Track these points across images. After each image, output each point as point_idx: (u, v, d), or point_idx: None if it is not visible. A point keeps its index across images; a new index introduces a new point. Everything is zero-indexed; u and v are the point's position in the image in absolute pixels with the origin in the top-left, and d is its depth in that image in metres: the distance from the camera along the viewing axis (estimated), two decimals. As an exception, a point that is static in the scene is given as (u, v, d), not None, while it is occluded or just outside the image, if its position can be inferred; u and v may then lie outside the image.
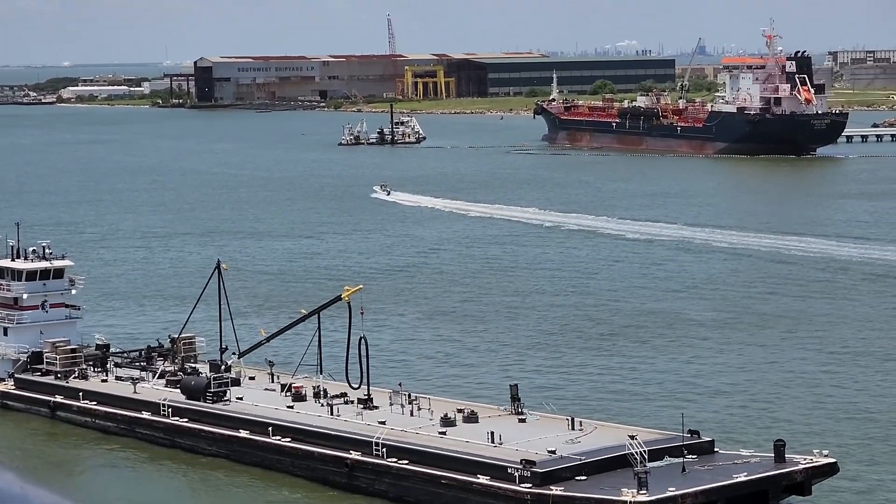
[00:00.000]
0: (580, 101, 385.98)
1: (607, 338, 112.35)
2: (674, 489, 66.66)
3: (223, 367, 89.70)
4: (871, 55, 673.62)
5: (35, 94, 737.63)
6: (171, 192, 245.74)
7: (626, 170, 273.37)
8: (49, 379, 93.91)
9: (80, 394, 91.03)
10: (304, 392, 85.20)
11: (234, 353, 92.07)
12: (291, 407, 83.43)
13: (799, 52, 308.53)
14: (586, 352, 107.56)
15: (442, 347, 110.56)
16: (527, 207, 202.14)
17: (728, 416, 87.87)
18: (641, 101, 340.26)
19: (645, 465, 68.05)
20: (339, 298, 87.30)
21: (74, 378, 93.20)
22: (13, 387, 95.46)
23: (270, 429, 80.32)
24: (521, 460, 69.74)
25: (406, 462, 73.81)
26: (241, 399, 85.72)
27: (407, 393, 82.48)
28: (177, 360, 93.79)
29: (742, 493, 68.46)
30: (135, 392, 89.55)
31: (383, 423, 77.46)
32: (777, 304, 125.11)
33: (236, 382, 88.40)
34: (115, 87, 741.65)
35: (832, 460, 71.60)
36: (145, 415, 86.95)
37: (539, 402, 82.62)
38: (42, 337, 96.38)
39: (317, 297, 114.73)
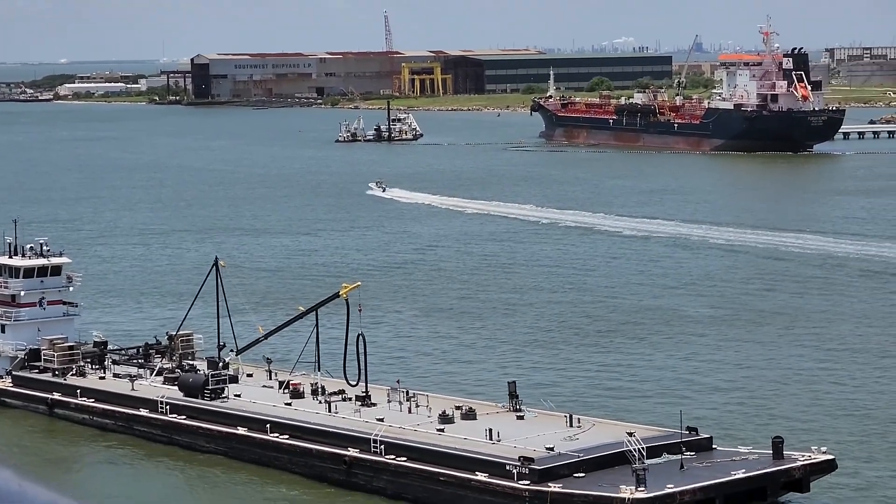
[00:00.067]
0: (577, 98, 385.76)
1: (605, 334, 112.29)
2: (672, 486, 66.60)
3: (221, 364, 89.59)
4: (868, 52, 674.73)
5: (32, 92, 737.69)
6: (169, 188, 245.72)
7: (623, 166, 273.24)
8: (47, 376, 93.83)
9: (78, 391, 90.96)
10: (301, 389, 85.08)
11: (231, 350, 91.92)
12: (289, 404, 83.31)
13: (796, 48, 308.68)
14: (584, 349, 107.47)
15: (440, 344, 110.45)
16: (524, 204, 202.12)
17: (726, 413, 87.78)
18: (638, 98, 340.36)
19: (643, 462, 67.91)
20: (336, 295, 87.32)
21: (72, 375, 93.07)
22: (11, 384, 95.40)
23: (268, 426, 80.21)
24: (520, 457, 69.59)
25: (404, 459, 73.68)
26: (238, 396, 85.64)
27: (405, 390, 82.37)
28: (174, 358, 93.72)
29: (740, 490, 68.44)
30: (132, 389, 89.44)
31: (381, 420, 77.40)
32: (774, 301, 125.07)
33: (234, 379, 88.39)
34: (112, 84, 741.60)
35: (830, 457, 71.60)
36: (143, 412, 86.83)
37: (537, 399, 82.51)
38: (39, 334, 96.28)
39: (314, 293, 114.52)
